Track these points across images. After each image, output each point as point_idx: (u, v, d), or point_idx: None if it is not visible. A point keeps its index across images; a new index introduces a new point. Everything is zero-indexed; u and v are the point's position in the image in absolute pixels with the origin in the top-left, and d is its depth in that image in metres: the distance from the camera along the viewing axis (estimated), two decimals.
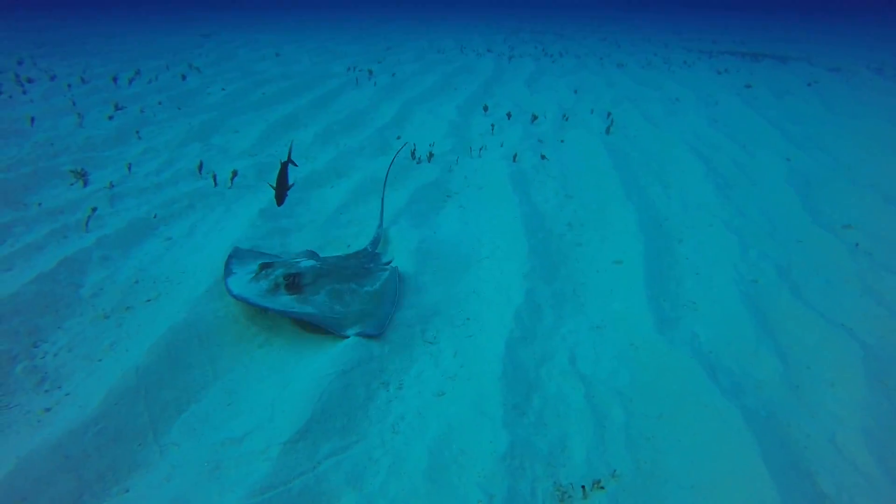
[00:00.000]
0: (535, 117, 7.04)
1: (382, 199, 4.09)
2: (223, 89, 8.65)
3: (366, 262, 3.39)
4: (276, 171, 3.39)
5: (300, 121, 6.92)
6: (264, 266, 2.97)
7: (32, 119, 6.34)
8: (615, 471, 2.11)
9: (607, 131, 6.54)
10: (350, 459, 2.15)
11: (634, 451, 2.22)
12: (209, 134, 6.28)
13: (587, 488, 2.02)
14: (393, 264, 3.42)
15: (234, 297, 2.76)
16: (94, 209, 4.02)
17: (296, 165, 3.64)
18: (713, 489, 2.03)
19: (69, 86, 8.38)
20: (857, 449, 2.22)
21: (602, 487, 2.04)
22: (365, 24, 20.72)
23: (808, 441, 2.28)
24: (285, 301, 2.81)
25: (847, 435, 2.29)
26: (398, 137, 6.27)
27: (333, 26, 19.48)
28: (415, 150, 5.48)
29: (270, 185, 3.39)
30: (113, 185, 4.62)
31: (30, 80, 8.48)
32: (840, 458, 2.19)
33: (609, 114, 7.25)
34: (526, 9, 30.22)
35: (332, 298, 2.90)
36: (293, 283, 2.85)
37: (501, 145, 6.01)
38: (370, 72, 10.08)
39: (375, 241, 3.65)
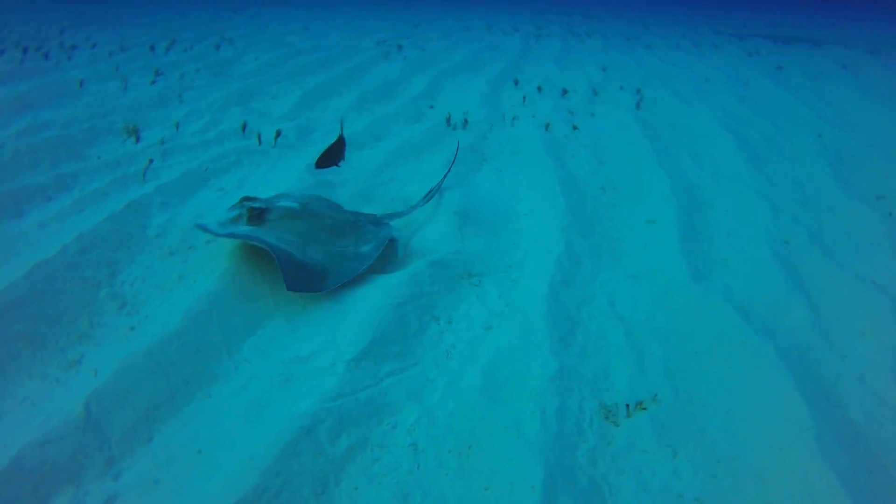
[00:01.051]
0: (565, 91, 7.11)
1: (436, 188, 3.78)
2: (257, 59, 8.81)
3: (364, 221, 3.25)
4: (333, 140, 3.50)
5: (335, 89, 7.06)
6: (246, 199, 3.09)
7: (81, 82, 6.58)
8: (656, 395, 2.27)
9: (637, 106, 6.60)
10: (409, 378, 2.34)
11: (673, 381, 2.37)
12: (248, 99, 6.46)
13: (630, 407, 2.19)
14: (396, 237, 3.30)
15: (197, 226, 2.89)
16: (151, 161, 4.23)
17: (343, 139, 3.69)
18: (749, 412, 2.18)
19: (110, 53, 8.61)
20: (886, 387, 2.35)
21: (644, 408, 2.20)
22: (390, 3, 20.70)
23: (837, 378, 2.42)
24: (243, 231, 2.83)
25: (876, 375, 2.42)
26: (431, 107, 6.40)
27: (359, 4, 19.51)
28: (450, 117, 5.61)
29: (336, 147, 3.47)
30: (164, 142, 4.83)
31: (74, 48, 8.72)
32: (869, 393, 2.33)
33: (639, 90, 7.30)
34: None
35: (298, 239, 2.89)
36: (255, 215, 2.91)
37: (533, 116, 6.11)
38: (399, 46, 10.18)
39: (392, 214, 3.50)
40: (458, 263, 3.12)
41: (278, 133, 4.94)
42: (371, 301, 2.72)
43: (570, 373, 2.36)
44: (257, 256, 3.02)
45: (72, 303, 2.69)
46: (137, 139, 4.90)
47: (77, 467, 1.88)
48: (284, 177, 4.14)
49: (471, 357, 2.47)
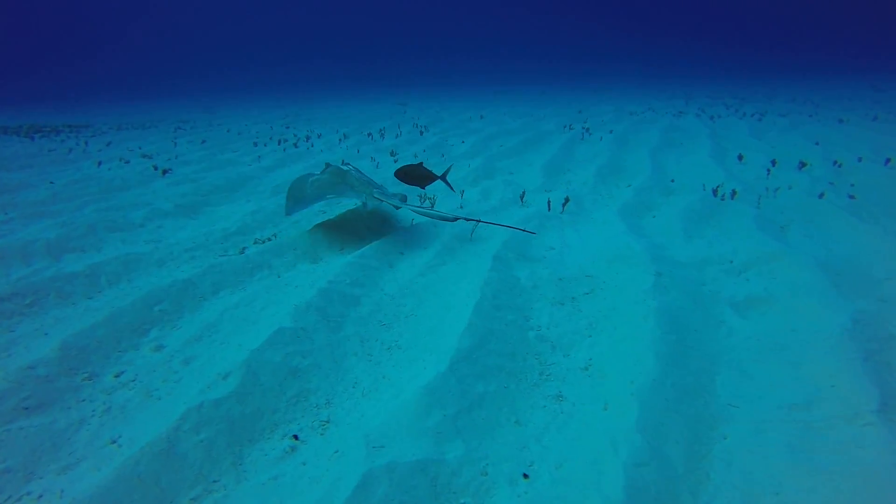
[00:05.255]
0: (803, 164, 6.91)
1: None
2: (462, 142, 9.57)
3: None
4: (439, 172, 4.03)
5: (563, 166, 7.42)
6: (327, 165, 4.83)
7: (341, 162, 7.48)
8: None
9: None
10: None
11: None
12: (493, 174, 6.95)
13: None
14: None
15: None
16: (477, 223, 4.60)
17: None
18: None
19: (339, 140, 9.81)
20: None
21: None
22: (526, 94, 22.01)
23: None
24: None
25: None
26: (672, 181, 6.47)
27: (503, 96, 20.95)
28: (717, 189, 5.63)
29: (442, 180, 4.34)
30: (462, 206, 5.27)
31: (308, 138, 10.06)
32: None
33: (888, 160, 6.93)
34: (676, 76, 30.21)
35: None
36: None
37: (790, 187, 5.96)
38: (586, 129, 10.62)
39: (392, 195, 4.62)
40: (872, 324, 2.97)
41: (567, 200, 5.20)
42: (829, 359, 2.64)
43: None
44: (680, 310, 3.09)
45: (514, 342, 2.87)
46: (432, 206, 5.38)
47: (671, 494, 1.90)
48: (605, 234, 4.29)
49: None
